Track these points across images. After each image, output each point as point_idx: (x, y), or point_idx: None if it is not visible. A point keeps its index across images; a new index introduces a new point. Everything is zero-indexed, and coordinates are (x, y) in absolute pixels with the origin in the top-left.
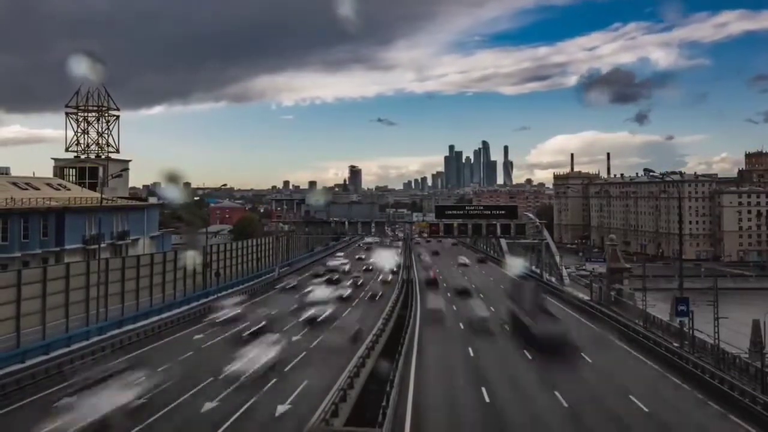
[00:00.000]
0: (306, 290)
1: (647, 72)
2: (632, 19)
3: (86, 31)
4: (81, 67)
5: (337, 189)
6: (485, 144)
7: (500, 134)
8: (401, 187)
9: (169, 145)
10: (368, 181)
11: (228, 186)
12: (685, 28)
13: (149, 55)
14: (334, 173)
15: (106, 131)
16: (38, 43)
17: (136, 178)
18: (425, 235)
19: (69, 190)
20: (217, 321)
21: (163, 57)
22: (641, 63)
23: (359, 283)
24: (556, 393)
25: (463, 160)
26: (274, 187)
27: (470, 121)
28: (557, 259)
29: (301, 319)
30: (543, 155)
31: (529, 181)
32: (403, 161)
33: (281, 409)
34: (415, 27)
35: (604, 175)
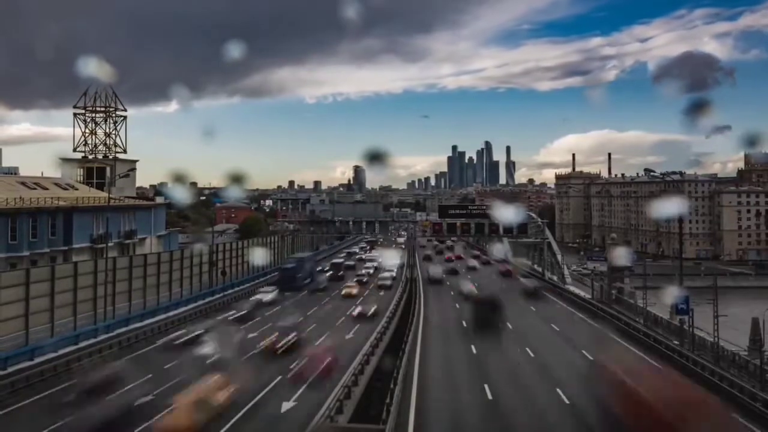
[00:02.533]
0: None
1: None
2: (699, 5)
3: (82, 16)
4: (89, 68)
5: (341, 188)
6: (488, 144)
7: (513, 133)
8: (405, 187)
9: (177, 143)
10: (376, 181)
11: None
12: (755, 14)
13: (158, 44)
14: (342, 172)
15: (113, 132)
16: (31, 29)
17: (143, 178)
18: (429, 234)
19: (77, 189)
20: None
21: (174, 47)
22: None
23: None
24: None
25: (466, 161)
26: (279, 187)
27: (490, 120)
28: (559, 257)
29: None
30: (554, 154)
31: (531, 181)
32: (413, 160)
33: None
34: (463, 11)
35: (608, 174)
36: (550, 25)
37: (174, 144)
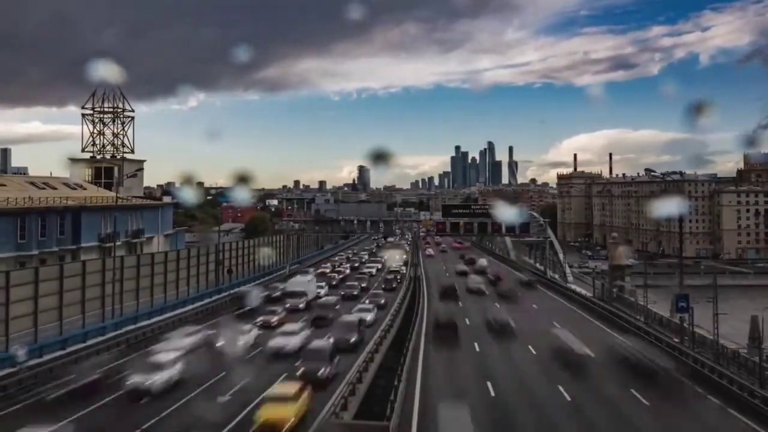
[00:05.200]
0: None
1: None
2: None
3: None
4: (98, 70)
5: (346, 188)
6: (490, 144)
7: (528, 130)
8: (409, 187)
9: (186, 141)
10: (382, 181)
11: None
12: None
13: (166, 31)
14: (348, 171)
15: (121, 132)
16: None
17: (151, 178)
18: (432, 233)
19: (85, 189)
20: None
21: (184, 33)
22: (749, 47)
23: None
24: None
25: (469, 161)
26: (284, 187)
27: (507, 117)
28: (560, 256)
29: None
30: (565, 154)
31: (533, 180)
32: (422, 159)
33: None
34: None
35: (610, 174)
36: (611, 10)
37: (182, 142)
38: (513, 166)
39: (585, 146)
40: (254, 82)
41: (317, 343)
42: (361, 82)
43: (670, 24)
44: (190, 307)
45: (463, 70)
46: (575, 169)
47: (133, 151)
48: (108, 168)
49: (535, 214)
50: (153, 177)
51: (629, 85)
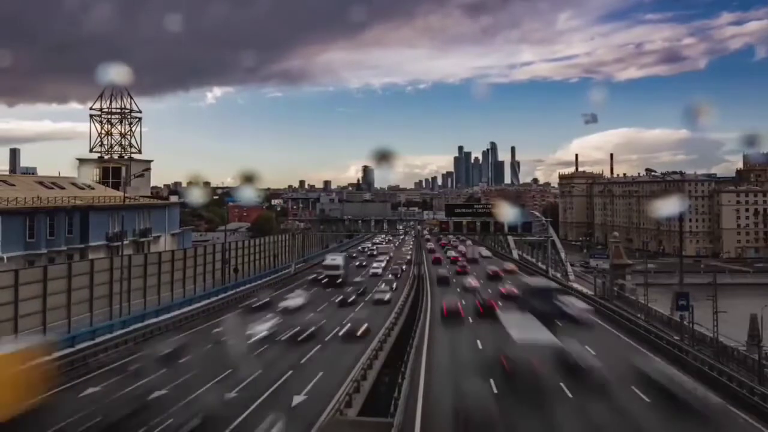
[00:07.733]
0: None
1: None
2: None
3: None
4: (107, 73)
5: (350, 188)
6: (493, 144)
7: (541, 129)
8: (412, 186)
9: (194, 138)
10: (386, 180)
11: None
12: None
13: (177, 15)
14: (356, 170)
15: (128, 132)
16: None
17: (158, 177)
18: (435, 231)
19: (93, 189)
20: None
21: (197, 19)
22: None
23: None
24: None
25: (472, 161)
26: (290, 187)
27: (522, 115)
28: (562, 255)
29: None
30: (573, 154)
31: (535, 180)
32: (433, 159)
33: None
34: None
35: (610, 174)
36: None
37: (190, 138)
38: (515, 166)
39: (598, 145)
40: (273, 74)
41: None
42: (387, 77)
43: (742, 10)
44: (197, 305)
45: (502, 64)
46: (576, 168)
47: (140, 152)
48: (116, 168)
49: (537, 213)
50: (160, 176)
51: (671, 81)
